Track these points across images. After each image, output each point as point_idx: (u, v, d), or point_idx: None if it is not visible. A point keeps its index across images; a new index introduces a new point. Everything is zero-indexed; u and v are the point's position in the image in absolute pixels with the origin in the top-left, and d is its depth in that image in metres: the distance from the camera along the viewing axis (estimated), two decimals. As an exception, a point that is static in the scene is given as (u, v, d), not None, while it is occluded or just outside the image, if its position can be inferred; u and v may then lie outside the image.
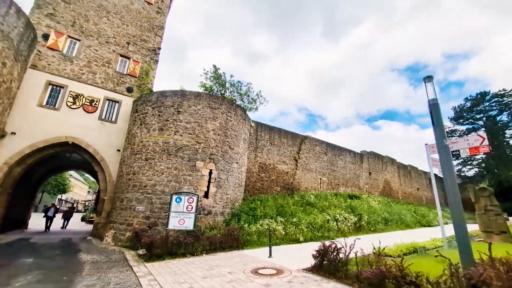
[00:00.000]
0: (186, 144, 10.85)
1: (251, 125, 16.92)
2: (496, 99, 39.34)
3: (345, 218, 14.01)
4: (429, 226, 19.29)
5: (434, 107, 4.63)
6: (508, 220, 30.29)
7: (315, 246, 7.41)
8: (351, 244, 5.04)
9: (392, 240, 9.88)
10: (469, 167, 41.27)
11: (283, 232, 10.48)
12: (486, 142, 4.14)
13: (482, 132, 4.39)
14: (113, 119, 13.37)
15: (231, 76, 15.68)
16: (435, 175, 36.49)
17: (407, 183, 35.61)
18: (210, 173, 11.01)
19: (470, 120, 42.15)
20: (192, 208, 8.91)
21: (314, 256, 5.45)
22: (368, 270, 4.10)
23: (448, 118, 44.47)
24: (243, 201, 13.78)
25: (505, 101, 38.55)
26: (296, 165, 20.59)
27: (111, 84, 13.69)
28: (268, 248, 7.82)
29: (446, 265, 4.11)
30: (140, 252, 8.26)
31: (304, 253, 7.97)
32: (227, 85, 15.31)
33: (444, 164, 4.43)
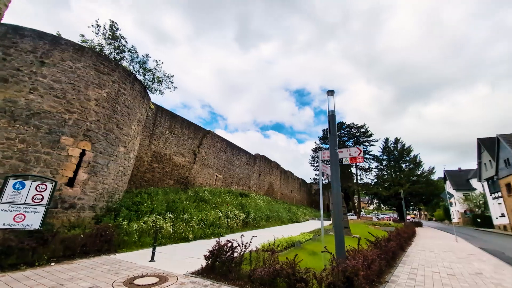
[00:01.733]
0: (47, 110, 7.78)
1: (150, 107, 14.62)
2: (348, 129, 53.51)
3: (236, 215, 14.49)
4: (297, 222, 23.33)
5: (332, 118, 5.32)
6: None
7: (204, 244, 6.92)
8: (247, 242, 4.92)
9: (273, 234, 10.93)
10: (324, 177, 53.65)
11: (171, 230, 9.42)
12: (362, 154, 5.05)
13: (358, 147, 5.52)
14: None
15: (133, 47, 12.87)
16: (303, 180, 44.66)
17: (285, 186, 42.01)
18: (83, 154, 8.41)
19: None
20: (42, 199, 6.36)
21: (206, 257, 4.95)
22: (261, 269, 4.05)
23: (318, 137, 56.55)
24: (126, 193, 11.52)
25: (352, 132, 53.20)
26: (195, 159, 19.66)
27: None
28: (152, 249, 6.65)
29: (321, 258, 4.70)
30: None
31: (193, 253, 7.34)
32: (127, 55, 12.48)
33: (334, 169, 5.12)
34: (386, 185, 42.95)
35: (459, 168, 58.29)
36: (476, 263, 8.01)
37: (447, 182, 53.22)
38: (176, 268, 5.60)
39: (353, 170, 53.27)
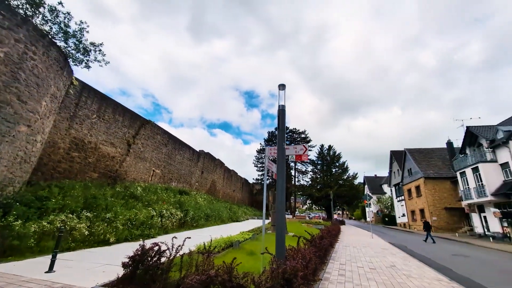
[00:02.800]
0: None
1: (72, 82, 12.08)
2: (290, 133, 56.96)
3: (172, 214, 13.26)
4: (238, 221, 23.19)
5: (281, 112, 5.16)
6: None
7: (129, 247, 5.92)
8: (179, 245, 4.24)
9: (212, 234, 10.32)
10: (267, 177, 55.74)
11: (86, 232, 7.79)
12: (307, 152, 5.02)
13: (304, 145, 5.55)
14: None
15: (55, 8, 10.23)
16: (246, 180, 45.18)
17: (228, 185, 41.60)
18: (-46, 130, 6.13)
19: (274, 144, 57.79)
20: None
21: (125, 265, 4.04)
22: (193, 276, 3.47)
23: (264, 139, 58.49)
24: (28, 186, 9.11)
25: (294, 136, 56.92)
26: (129, 150, 17.31)
27: None
28: (53, 256, 5.21)
29: (260, 258, 4.43)
30: None
31: (112, 259, 6.13)
32: (45, 10, 9.88)
33: (280, 165, 4.94)
34: (318, 187, 47.19)
35: (375, 175, 68.98)
36: (389, 257, 9.20)
37: (366, 186, 62.13)
38: (83, 279, 4.47)
39: (292, 172, 56.94)
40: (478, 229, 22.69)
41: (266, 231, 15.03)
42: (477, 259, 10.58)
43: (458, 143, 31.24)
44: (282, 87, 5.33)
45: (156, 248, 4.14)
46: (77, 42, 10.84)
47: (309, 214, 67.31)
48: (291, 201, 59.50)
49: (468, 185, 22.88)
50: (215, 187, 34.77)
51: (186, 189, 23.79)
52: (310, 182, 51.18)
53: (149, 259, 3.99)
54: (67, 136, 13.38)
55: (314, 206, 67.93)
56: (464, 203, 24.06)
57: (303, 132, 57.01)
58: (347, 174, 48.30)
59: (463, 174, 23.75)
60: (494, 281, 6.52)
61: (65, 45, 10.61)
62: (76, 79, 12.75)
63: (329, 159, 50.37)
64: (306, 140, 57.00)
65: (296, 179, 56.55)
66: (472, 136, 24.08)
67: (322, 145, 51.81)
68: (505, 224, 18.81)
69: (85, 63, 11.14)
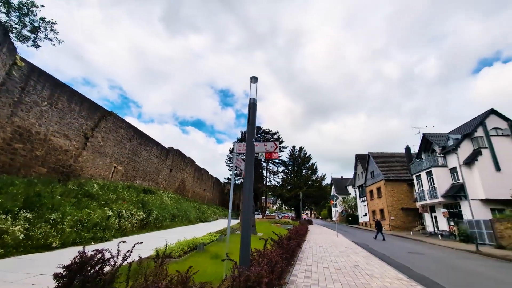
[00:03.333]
0: None
1: (15, 63, 10.47)
2: (263, 134, 57.37)
3: (132, 214, 12.21)
4: (207, 221, 22.44)
5: (252, 106, 4.85)
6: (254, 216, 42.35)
7: (77, 252, 5.14)
8: (127, 252, 3.65)
9: (176, 236, 9.68)
10: (239, 177, 55.31)
11: (22, 236, 6.67)
12: (278, 150, 4.79)
13: (276, 141, 5.26)
14: None
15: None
16: (217, 179, 44.33)
17: (198, 184, 40.35)
18: None
19: (249, 144, 57.81)
20: None
21: (58, 277, 3.36)
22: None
23: (236, 138, 58.13)
24: None
25: (267, 137, 57.40)
26: (86, 143, 15.66)
27: None
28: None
29: (222, 263, 4.07)
30: None
31: (50, 268, 5.25)
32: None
33: (249, 162, 4.63)
34: (289, 188, 48.10)
35: (341, 177, 72.66)
36: (353, 256, 9.45)
37: (333, 187, 65.08)
38: (5, 295, 3.67)
39: (264, 172, 57.34)
40: (430, 227, 24.89)
41: (235, 231, 14.65)
42: (431, 256, 11.40)
43: (415, 149, 34.15)
44: (254, 79, 5.02)
45: (99, 255, 3.52)
46: (23, 17, 9.38)
47: (279, 214, 68.43)
48: (262, 201, 59.86)
49: (422, 187, 24.98)
50: (184, 186, 33.42)
51: (152, 188, 22.38)
52: (281, 183, 51.95)
53: (89, 268, 3.38)
54: (8, 124, 11.60)
55: (284, 206, 69.26)
56: (418, 204, 26.23)
57: (276, 133, 57.73)
58: (316, 175, 49.96)
59: (418, 177, 25.87)
60: (448, 278, 6.97)
61: (7, 18, 9.11)
62: (22, 59, 11.08)
63: (299, 160, 51.64)
64: (278, 141, 57.89)
65: (268, 179, 57.09)
66: (427, 142, 26.38)
67: (293, 146, 52.97)
68: (452, 223, 20.85)
69: (33, 41, 9.69)
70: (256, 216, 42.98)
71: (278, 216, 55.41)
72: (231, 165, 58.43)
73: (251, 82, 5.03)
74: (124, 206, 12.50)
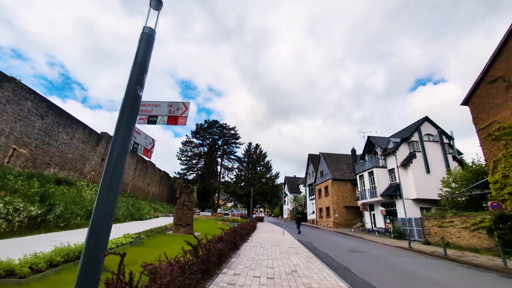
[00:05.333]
0: None
1: None
2: (220, 128, 55.19)
3: (17, 210, 9.08)
4: (141, 219, 19.49)
5: (147, 38, 3.07)
6: (199, 214, 39.98)
7: None
8: None
9: (80, 239, 7.19)
10: (191, 172, 52.12)
11: None
12: (187, 113, 3.16)
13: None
14: None
15: None
16: (166, 173, 40.42)
17: (141, 177, 36.09)
18: None
19: (202, 137, 54.76)
20: None
21: None
22: None
23: (191, 131, 54.75)
24: None
25: (223, 132, 55.39)
26: (-40, 114, 11.50)
27: None
28: None
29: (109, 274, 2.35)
30: None
31: None
32: None
33: (127, 121, 2.85)
34: (242, 185, 46.98)
35: (295, 176, 74.97)
36: (293, 258, 8.39)
37: (286, 186, 66.52)
38: None
39: (218, 168, 55.16)
40: (368, 225, 26.43)
41: (166, 231, 12.50)
42: (370, 255, 11.19)
43: (360, 151, 36.47)
44: (156, 4, 3.25)
45: None
46: None
47: (232, 211, 67.02)
48: (214, 198, 57.52)
49: (364, 186, 26.35)
50: (122, 179, 29.18)
51: (71, 179, 18.41)
52: (234, 179, 50.51)
53: None
54: None
55: (237, 203, 68.13)
56: (360, 202, 27.70)
57: (233, 129, 56.06)
58: (270, 173, 49.97)
59: (361, 177, 27.27)
60: (390, 282, 6.29)
61: None
62: None
63: (255, 158, 50.96)
64: (235, 136, 56.25)
65: (221, 176, 55.05)
66: (371, 144, 28.01)
67: (250, 143, 52.06)
68: (388, 221, 22.25)
69: None
70: (205, 213, 40.66)
71: (232, 214, 53.95)
72: (183, 158, 54.67)
73: (150, 5, 3.24)
74: (5, 199, 9.24)
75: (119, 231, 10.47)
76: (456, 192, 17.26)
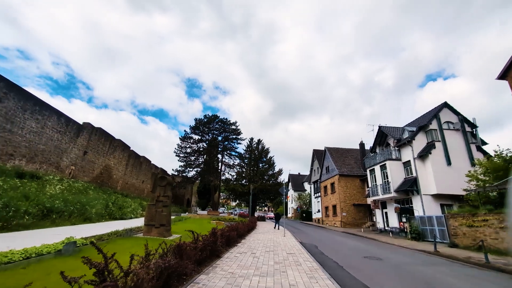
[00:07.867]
0: None
1: None
2: (220, 123, 52.78)
3: None
4: (122, 219, 17.21)
5: None
6: (196, 212, 37.51)
7: None
8: None
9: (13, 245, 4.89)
10: (190, 169, 49.79)
11: None
12: None
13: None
14: None
15: None
16: (163, 170, 38.00)
17: (134, 174, 34.00)
18: None
19: (201, 133, 52.40)
20: None
21: None
22: None
23: (189, 126, 52.42)
24: None
25: (224, 127, 52.96)
26: None
27: None
28: None
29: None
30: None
31: None
32: None
33: None
34: (243, 182, 44.60)
35: (299, 173, 72.20)
36: (291, 272, 5.93)
37: (290, 183, 63.91)
38: None
39: (220, 166, 52.83)
40: (380, 224, 23.74)
41: (135, 233, 10.15)
42: (391, 263, 8.67)
43: (368, 146, 33.67)
44: None
45: None
46: None
47: (235, 210, 64.72)
48: (215, 196, 55.29)
49: (375, 181, 23.66)
50: (110, 175, 27.08)
51: (42, 173, 16.22)
52: (235, 176, 48.15)
53: None
54: None
55: (238, 201, 65.66)
56: (370, 199, 25.01)
57: (234, 124, 53.45)
58: (273, 170, 47.47)
59: (372, 171, 24.57)
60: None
61: None
62: None
63: (257, 153, 48.50)
64: (236, 132, 53.69)
65: (222, 173, 52.73)
66: (382, 135, 25.26)
67: (251, 138, 49.63)
68: (404, 220, 19.56)
69: None
70: (202, 212, 38.35)
71: (234, 213, 51.64)
72: (181, 155, 52.41)
73: None
74: None
75: (68, 233, 8.11)
76: (488, 185, 14.54)
